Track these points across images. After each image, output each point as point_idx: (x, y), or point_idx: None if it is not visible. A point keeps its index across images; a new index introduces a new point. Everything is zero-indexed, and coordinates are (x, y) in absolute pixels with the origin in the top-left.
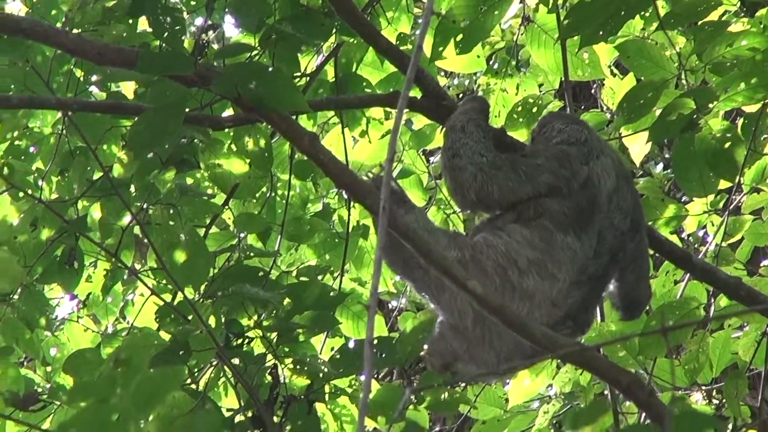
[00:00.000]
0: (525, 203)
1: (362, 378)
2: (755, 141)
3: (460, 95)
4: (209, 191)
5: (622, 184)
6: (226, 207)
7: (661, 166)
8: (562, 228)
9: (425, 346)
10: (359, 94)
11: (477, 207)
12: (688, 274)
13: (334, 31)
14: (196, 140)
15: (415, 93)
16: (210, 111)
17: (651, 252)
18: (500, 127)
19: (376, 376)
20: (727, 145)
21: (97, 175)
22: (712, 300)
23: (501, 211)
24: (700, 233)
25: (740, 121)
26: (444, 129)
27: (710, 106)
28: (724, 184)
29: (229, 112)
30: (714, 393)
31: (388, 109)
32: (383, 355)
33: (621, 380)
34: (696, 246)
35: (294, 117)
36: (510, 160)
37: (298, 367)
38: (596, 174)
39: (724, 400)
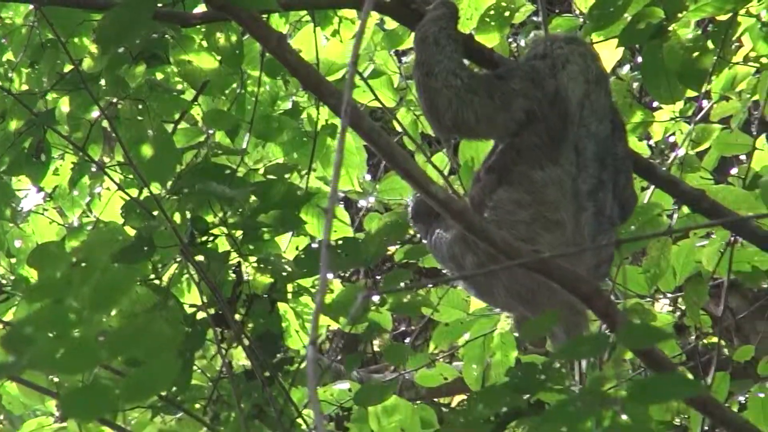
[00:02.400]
0: (499, 157)
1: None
2: (724, 49)
3: None
4: (179, 87)
5: (593, 89)
6: (195, 103)
7: (628, 67)
8: (537, 163)
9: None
10: None
11: (453, 132)
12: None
13: None
14: (166, 36)
15: None
16: (183, 7)
17: None
18: (468, 34)
19: (341, 276)
20: (695, 54)
21: (67, 68)
22: (676, 207)
23: (474, 138)
24: (671, 140)
25: (703, 31)
26: (415, 37)
27: (679, 15)
28: (692, 92)
29: (201, 9)
30: (679, 301)
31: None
32: (346, 256)
33: (580, 288)
34: (666, 152)
35: (266, 16)
36: (486, 84)
37: (261, 265)
38: (563, 84)
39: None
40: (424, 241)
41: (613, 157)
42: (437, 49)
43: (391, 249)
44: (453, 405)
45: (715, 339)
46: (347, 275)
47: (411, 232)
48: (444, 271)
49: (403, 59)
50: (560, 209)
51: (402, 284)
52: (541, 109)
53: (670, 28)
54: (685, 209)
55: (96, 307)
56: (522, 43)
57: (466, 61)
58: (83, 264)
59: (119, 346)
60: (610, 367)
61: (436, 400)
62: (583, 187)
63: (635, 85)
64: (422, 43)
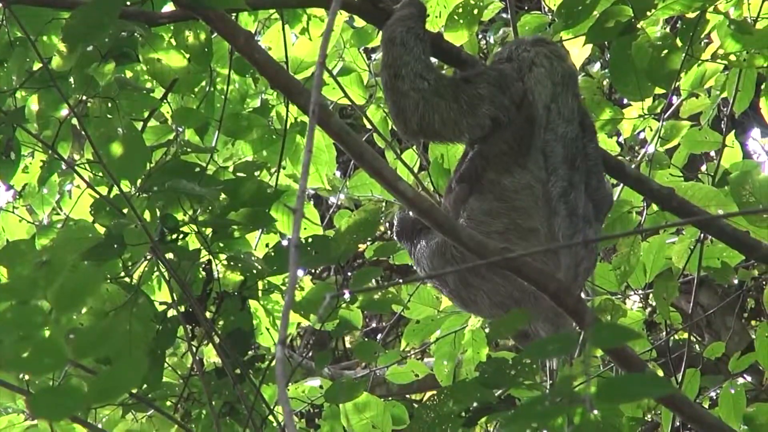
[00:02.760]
0: (469, 165)
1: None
2: (693, 47)
3: None
4: (148, 85)
5: (560, 91)
6: (165, 101)
7: (598, 65)
8: (506, 169)
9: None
10: None
11: (419, 136)
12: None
13: None
14: (136, 34)
15: None
16: (151, 6)
17: None
18: (437, 33)
19: (312, 273)
20: (664, 53)
21: (36, 67)
22: (645, 204)
23: (440, 141)
24: (642, 136)
25: (672, 28)
26: (382, 37)
27: (648, 13)
28: (661, 89)
29: (170, 8)
30: (650, 297)
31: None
32: (316, 253)
33: (549, 286)
34: (636, 148)
35: (235, 14)
36: (453, 87)
37: (232, 263)
38: (530, 88)
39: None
40: (410, 257)
41: (584, 158)
42: (404, 51)
43: (363, 245)
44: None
45: (685, 335)
46: (318, 272)
47: (381, 228)
48: (415, 269)
49: (373, 56)
50: (533, 216)
51: (372, 282)
52: (508, 115)
53: (639, 26)
54: (655, 206)
55: (62, 307)
56: (491, 40)
57: (434, 60)
58: (49, 264)
59: (87, 345)
60: (579, 364)
61: (408, 396)
62: (554, 191)
63: (605, 82)
64: (390, 44)
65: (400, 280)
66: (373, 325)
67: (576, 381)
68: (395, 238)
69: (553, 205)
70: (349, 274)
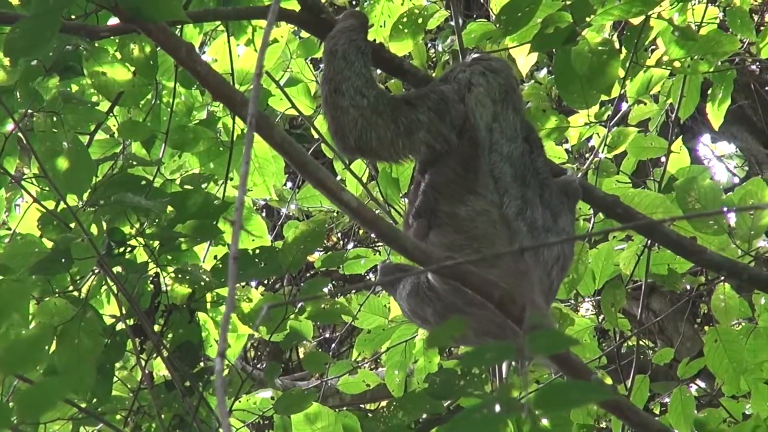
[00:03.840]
0: (422, 199)
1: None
2: (637, 53)
3: (348, 4)
4: (93, 99)
5: (500, 109)
6: (111, 114)
7: (545, 71)
8: (458, 199)
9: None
10: (243, 4)
11: (356, 153)
12: None
13: None
14: (80, 47)
15: (294, 6)
16: (96, 18)
17: None
18: (378, 43)
19: (264, 284)
20: (603, 58)
21: None
22: (593, 212)
23: (378, 160)
24: (591, 143)
25: (620, 35)
26: (324, 49)
27: (587, 19)
28: (606, 96)
29: (115, 20)
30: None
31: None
32: (264, 265)
33: (493, 294)
34: (585, 155)
35: (179, 27)
36: (392, 107)
37: (179, 275)
38: (471, 109)
39: None
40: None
41: (534, 172)
42: (345, 65)
43: (314, 256)
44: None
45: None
46: (271, 283)
47: (334, 239)
48: (368, 278)
49: (320, 66)
50: (494, 241)
51: (324, 291)
52: (445, 144)
53: (580, 33)
54: (602, 215)
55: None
56: (440, 48)
57: (378, 71)
58: None
59: (33, 354)
60: (518, 374)
61: (362, 406)
62: (510, 212)
63: (553, 89)
64: (331, 57)
65: (351, 290)
66: (327, 335)
67: (514, 390)
68: (382, 287)
69: (512, 225)
70: (302, 285)
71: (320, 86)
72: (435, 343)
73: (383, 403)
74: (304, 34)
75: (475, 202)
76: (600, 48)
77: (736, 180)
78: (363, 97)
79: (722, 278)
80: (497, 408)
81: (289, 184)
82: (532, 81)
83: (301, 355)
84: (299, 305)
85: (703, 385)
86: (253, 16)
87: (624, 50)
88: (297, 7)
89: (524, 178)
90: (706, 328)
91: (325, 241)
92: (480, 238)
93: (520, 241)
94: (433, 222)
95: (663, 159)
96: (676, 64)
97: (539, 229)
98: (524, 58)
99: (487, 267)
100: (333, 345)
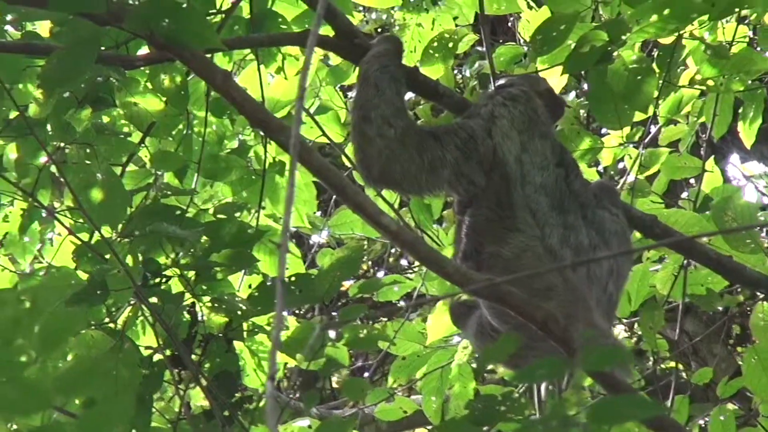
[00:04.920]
0: (467, 242)
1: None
2: (670, 73)
3: (378, 30)
4: (125, 130)
5: (527, 138)
6: (143, 145)
7: (573, 94)
8: (500, 238)
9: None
10: (274, 31)
11: (380, 184)
12: None
13: None
14: (112, 79)
15: (328, 31)
16: (126, 49)
17: None
18: (413, 66)
19: (296, 313)
20: (639, 77)
21: (13, 115)
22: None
23: (401, 192)
24: (621, 166)
25: (656, 53)
26: (358, 74)
27: (623, 38)
28: (640, 116)
29: (146, 50)
30: (635, 326)
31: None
32: (300, 292)
33: (536, 316)
34: (616, 177)
35: (210, 55)
36: (419, 140)
37: (216, 305)
38: (498, 143)
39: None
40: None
41: (572, 195)
42: (376, 92)
43: (346, 284)
44: None
45: (672, 363)
46: (302, 312)
47: (365, 267)
48: (400, 304)
49: (349, 94)
50: (543, 274)
51: (357, 320)
52: (470, 187)
53: (615, 53)
54: (638, 234)
55: (46, 347)
56: (467, 73)
57: (411, 95)
58: (33, 305)
59: (69, 385)
60: (570, 393)
61: None
62: (553, 242)
63: (582, 111)
64: (363, 83)
65: (389, 314)
66: (359, 363)
67: (567, 408)
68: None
69: (558, 255)
70: (334, 313)
71: (350, 112)
72: (488, 361)
73: (422, 430)
74: (334, 61)
75: (517, 239)
76: (636, 66)
77: (766, 200)
78: (390, 126)
79: (761, 297)
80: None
81: (319, 214)
82: None
83: (335, 385)
84: (336, 331)
85: (737, 406)
86: (287, 42)
87: (656, 70)
88: (331, 33)
89: (562, 205)
90: (740, 348)
91: None
92: (536, 278)
93: (570, 269)
94: (480, 264)
95: (693, 180)
96: (710, 82)
97: (585, 250)
98: (556, 80)
99: (542, 300)
100: (366, 374)
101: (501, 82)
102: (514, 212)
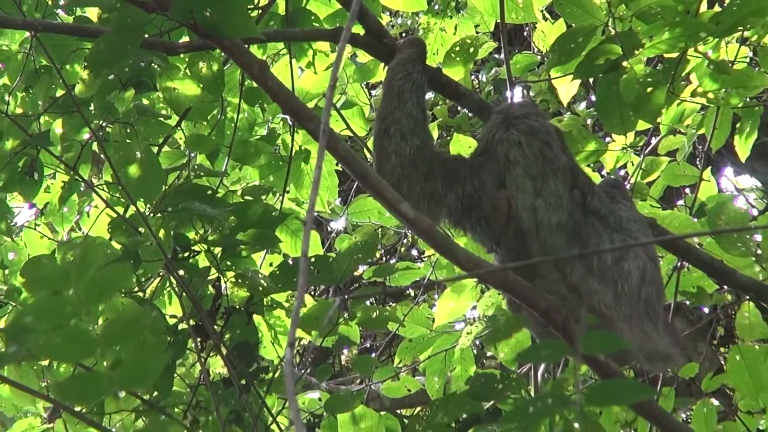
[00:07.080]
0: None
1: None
2: (674, 85)
3: (402, 34)
4: (164, 112)
5: (541, 182)
6: (179, 128)
7: (584, 104)
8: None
9: None
10: (307, 28)
11: None
12: None
13: None
14: (153, 64)
15: (358, 30)
16: (168, 37)
17: None
18: (436, 67)
19: (312, 292)
20: (649, 90)
21: (60, 93)
22: None
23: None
24: (621, 173)
25: (660, 67)
26: (384, 78)
27: (636, 52)
28: (642, 125)
29: (187, 39)
30: None
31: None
32: (318, 272)
33: (539, 305)
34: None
35: (246, 46)
36: (430, 165)
37: (239, 280)
38: (512, 196)
39: None
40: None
41: (590, 217)
42: (398, 104)
43: (359, 270)
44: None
45: None
46: (316, 294)
47: (377, 254)
48: (409, 291)
49: (374, 93)
50: (573, 310)
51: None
52: (463, 233)
53: (626, 64)
54: None
55: (91, 299)
56: (483, 78)
57: (431, 94)
58: (80, 258)
59: (114, 336)
60: (569, 373)
61: (399, 411)
62: (576, 278)
63: (589, 121)
64: (388, 92)
65: (395, 296)
66: (367, 344)
67: (565, 387)
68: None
69: (582, 289)
70: (346, 296)
71: (374, 121)
72: (493, 341)
73: (423, 406)
74: (361, 58)
75: (542, 286)
76: (647, 79)
77: (755, 212)
78: (407, 144)
79: (746, 298)
80: (548, 403)
81: (338, 202)
82: (568, 113)
83: (344, 362)
84: (348, 312)
85: (717, 402)
86: (321, 38)
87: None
88: (361, 31)
89: (579, 235)
90: (722, 349)
91: None
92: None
93: (594, 289)
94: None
95: (687, 189)
96: (710, 95)
97: (612, 266)
98: (566, 88)
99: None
100: (374, 354)
101: (516, 106)
102: (533, 263)
